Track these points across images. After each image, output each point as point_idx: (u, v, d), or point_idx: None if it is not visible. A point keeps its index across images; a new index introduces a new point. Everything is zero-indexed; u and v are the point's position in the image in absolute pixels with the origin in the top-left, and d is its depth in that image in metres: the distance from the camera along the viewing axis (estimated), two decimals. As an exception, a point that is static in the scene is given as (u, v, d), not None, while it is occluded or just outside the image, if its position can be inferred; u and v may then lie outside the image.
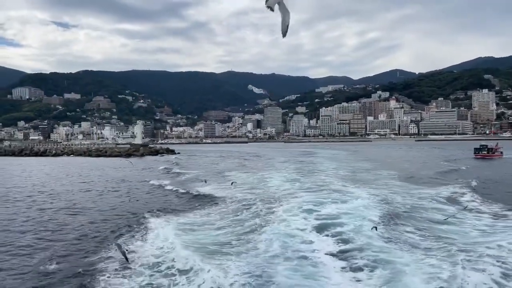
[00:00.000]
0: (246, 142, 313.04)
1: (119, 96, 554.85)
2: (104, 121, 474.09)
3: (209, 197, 31.30)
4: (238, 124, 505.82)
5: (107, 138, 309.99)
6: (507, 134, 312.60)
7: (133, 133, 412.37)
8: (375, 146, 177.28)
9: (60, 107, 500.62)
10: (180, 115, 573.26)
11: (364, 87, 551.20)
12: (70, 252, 17.55)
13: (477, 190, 32.35)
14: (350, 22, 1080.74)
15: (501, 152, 79.33)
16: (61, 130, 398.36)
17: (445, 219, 21.01)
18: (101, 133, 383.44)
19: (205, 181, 39.76)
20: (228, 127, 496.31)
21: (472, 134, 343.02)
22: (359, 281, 13.16)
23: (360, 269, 14.14)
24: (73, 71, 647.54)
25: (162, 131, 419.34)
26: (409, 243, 17.10)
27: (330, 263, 14.68)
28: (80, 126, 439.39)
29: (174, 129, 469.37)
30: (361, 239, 17.39)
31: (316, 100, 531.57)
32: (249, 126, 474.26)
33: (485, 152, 77.14)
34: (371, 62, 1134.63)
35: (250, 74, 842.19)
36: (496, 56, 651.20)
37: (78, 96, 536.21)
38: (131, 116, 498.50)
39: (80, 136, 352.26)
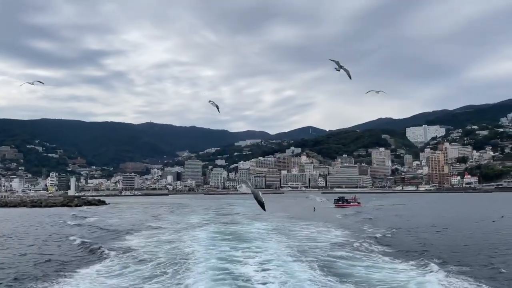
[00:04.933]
0: (167, 194, 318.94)
1: (28, 146, 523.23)
2: (9, 173, 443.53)
3: (159, 228, 45.94)
4: (157, 176, 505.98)
5: (17, 191, 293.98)
6: (398, 188, 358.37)
7: (45, 185, 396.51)
8: (285, 197, 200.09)
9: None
10: (94, 167, 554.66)
11: (279, 142, 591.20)
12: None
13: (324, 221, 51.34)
14: (267, 81, 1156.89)
15: (359, 203, 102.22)
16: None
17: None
18: (10, 185, 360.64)
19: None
20: (146, 179, 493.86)
21: (371, 187, 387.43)
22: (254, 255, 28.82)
23: (253, 249, 30.15)
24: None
25: (77, 183, 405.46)
26: (279, 239, 34.04)
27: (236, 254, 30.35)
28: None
29: (89, 181, 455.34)
30: (252, 237, 34.11)
31: (235, 153, 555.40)
32: (169, 178, 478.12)
33: (341, 202, 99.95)
34: (287, 118, 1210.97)
35: (170, 126, 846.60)
36: (394, 117, 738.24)
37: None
38: (41, 167, 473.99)
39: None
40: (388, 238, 36.30)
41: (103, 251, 30.07)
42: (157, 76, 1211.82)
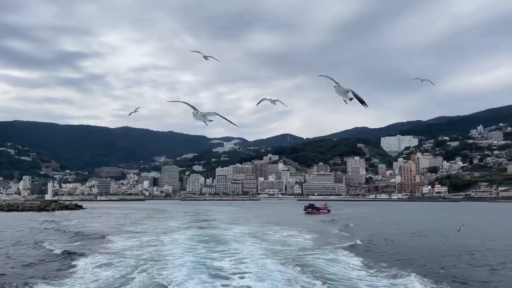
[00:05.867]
0: (143, 200, 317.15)
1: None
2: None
3: (139, 232, 48.43)
4: (133, 181, 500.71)
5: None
6: (372, 196, 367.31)
7: (18, 189, 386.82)
8: (261, 204, 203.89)
9: None
10: (69, 171, 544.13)
11: (257, 149, 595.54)
12: None
13: (293, 226, 55.00)
14: (247, 87, 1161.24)
15: (329, 210, 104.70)
16: None
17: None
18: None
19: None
20: (122, 184, 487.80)
21: (346, 195, 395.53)
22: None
23: (230, 250, 33.28)
24: None
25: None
26: (253, 242, 37.22)
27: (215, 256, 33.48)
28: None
29: (63, 185, 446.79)
30: (229, 239, 37.24)
31: (213, 159, 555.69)
32: (146, 183, 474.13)
33: (310, 209, 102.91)
34: (265, 125, 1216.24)
35: (147, 131, 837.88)
36: (370, 127, 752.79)
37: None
38: (13, 170, 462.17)
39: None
40: (354, 242, 39.87)
41: (89, 253, 32.30)
42: (136, 80, 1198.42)
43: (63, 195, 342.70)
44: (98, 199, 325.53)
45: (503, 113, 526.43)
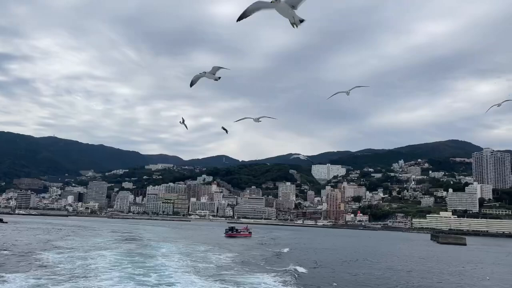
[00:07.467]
0: (66, 216, 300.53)
1: None
2: None
3: (67, 247, 49.96)
4: (56, 195, 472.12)
5: None
6: (300, 221, 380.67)
7: None
8: (190, 225, 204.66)
9: None
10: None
11: (191, 169, 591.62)
12: None
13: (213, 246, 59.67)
14: (186, 105, 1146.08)
15: (250, 232, 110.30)
16: None
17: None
18: None
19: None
20: (44, 197, 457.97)
21: (275, 219, 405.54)
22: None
23: (157, 266, 36.86)
24: None
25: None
26: (177, 260, 41.02)
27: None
28: None
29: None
30: (157, 255, 40.86)
31: (145, 177, 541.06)
32: (70, 198, 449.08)
33: (231, 232, 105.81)
34: (202, 145, 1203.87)
35: (75, 142, 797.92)
36: (303, 154, 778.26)
37: None
38: None
39: None
40: (286, 268, 44.45)
41: (18, 268, 34.04)
42: (67, 88, 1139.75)
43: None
44: (16, 212, 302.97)
45: (421, 149, 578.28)
